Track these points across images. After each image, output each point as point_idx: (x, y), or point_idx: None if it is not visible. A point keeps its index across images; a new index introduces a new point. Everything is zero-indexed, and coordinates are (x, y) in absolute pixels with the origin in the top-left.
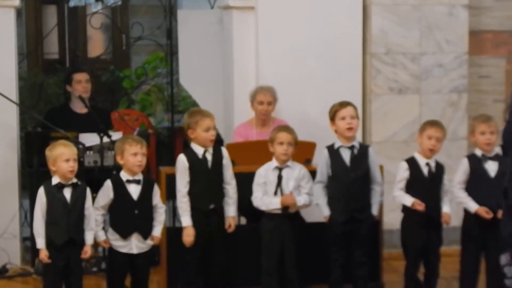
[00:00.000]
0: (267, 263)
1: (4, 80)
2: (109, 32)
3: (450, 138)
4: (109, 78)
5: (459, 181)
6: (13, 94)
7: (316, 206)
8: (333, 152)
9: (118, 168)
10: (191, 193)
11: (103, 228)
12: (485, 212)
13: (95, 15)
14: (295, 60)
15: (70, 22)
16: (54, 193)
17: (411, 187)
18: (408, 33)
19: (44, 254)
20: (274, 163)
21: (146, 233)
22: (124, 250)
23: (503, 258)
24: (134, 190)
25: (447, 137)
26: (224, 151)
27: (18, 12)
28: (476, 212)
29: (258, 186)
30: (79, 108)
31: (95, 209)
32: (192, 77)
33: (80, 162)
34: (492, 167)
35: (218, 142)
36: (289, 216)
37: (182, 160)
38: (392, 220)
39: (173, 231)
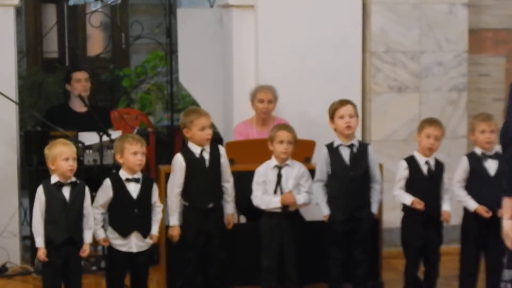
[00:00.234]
0: (266, 261)
1: (4, 79)
2: (109, 30)
3: (449, 136)
4: (109, 77)
5: (459, 179)
6: (13, 93)
7: (316, 205)
8: (333, 150)
9: (118, 167)
10: (188, 192)
11: (103, 227)
12: (484, 211)
13: (94, 14)
14: (295, 58)
15: (70, 21)
16: (53, 192)
17: (410, 186)
18: (408, 32)
19: (42, 253)
20: (273, 161)
21: (145, 231)
22: (123, 249)
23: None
24: (134, 189)
25: (447, 135)
26: (222, 149)
27: (18, 11)
28: (475, 210)
29: (257, 185)
30: (79, 107)
31: (94, 208)
32: (192, 75)
33: (80, 161)
34: (492, 166)
35: (217, 140)
36: (289, 214)
37: (179, 159)
38: (392, 219)
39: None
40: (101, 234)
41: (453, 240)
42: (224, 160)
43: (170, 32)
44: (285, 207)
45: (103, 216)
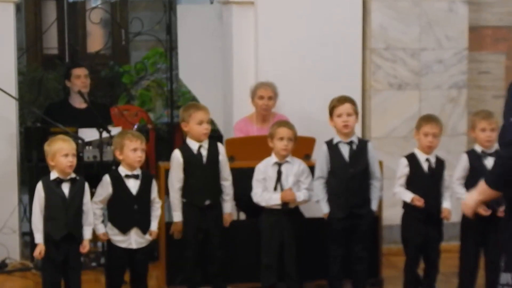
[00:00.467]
0: (266, 259)
1: (4, 75)
2: (109, 27)
3: (449, 134)
4: (109, 73)
5: (459, 177)
6: (13, 89)
7: (316, 203)
8: (332, 147)
9: (118, 163)
10: (186, 188)
11: (102, 222)
12: (483, 209)
13: (94, 10)
14: (295, 55)
15: (70, 17)
16: (53, 188)
17: (411, 183)
18: (407, 29)
19: (39, 250)
20: (273, 158)
21: (145, 228)
22: (123, 245)
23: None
24: (133, 185)
25: (447, 133)
26: (221, 147)
27: (18, 7)
28: None
29: (257, 182)
30: (79, 103)
31: (94, 203)
32: (192, 72)
33: (80, 157)
34: (491, 164)
35: (217, 137)
36: (289, 211)
37: (176, 155)
38: (392, 216)
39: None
40: (101, 229)
41: (453, 237)
42: (222, 157)
43: (170, 29)
44: (285, 204)
45: (102, 211)
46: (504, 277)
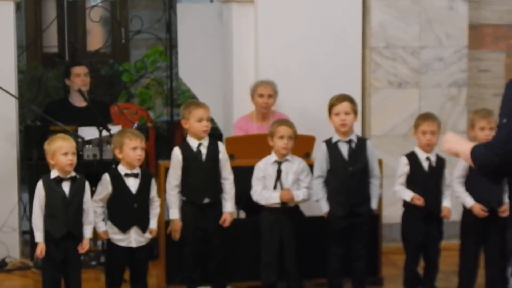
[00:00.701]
0: (266, 257)
1: (3, 73)
2: (109, 25)
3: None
4: (108, 72)
5: (458, 175)
6: (12, 88)
7: (316, 202)
8: (331, 146)
9: (118, 162)
10: (185, 186)
11: (103, 220)
12: (480, 209)
13: (94, 9)
14: (295, 54)
15: (70, 15)
16: (53, 186)
17: (411, 182)
18: (407, 27)
19: (40, 249)
20: (273, 157)
21: (144, 226)
22: (123, 243)
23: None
24: (133, 184)
25: (447, 131)
26: (221, 146)
27: (17, 5)
28: (471, 208)
29: (257, 180)
30: (78, 101)
31: (94, 202)
32: (192, 71)
33: (79, 156)
34: None
35: (217, 136)
36: (289, 210)
37: (176, 153)
38: (392, 214)
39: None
40: (101, 227)
41: (452, 235)
42: (223, 156)
43: (170, 27)
44: (284, 202)
45: (102, 209)
46: None
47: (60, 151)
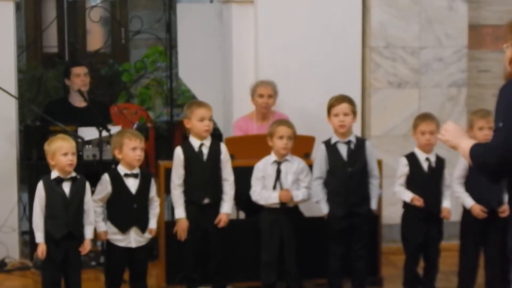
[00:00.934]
0: (266, 257)
1: (3, 73)
2: (108, 25)
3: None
4: (108, 72)
5: (458, 176)
6: (12, 88)
7: (316, 203)
8: (330, 147)
9: (117, 162)
10: (186, 186)
11: (102, 220)
12: (479, 210)
13: (94, 9)
14: (295, 54)
15: (69, 16)
16: (53, 187)
17: (411, 183)
18: (407, 27)
19: (41, 250)
20: (272, 157)
21: (144, 226)
22: (122, 244)
23: None
24: (132, 184)
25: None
26: (223, 147)
27: (17, 5)
28: (470, 208)
29: (256, 180)
30: (78, 101)
31: (93, 202)
32: (191, 71)
33: (79, 156)
34: None
35: (216, 136)
36: (288, 210)
37: (178, 152)
38: (391, 215)
39: (172, 225)
40: (102, 227)
41: (452, 236)
42: (224, 157)
43: (170, 27)
44: (283, 202)
45: (102, 209)
46: None
47: (60, 151)
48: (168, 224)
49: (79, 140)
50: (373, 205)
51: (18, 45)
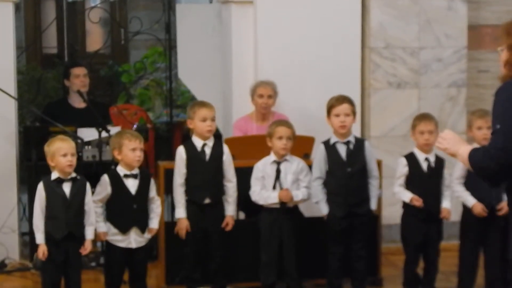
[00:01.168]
0: (266, 257)
1: (3, 74)
2: (108, 26)
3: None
4: (108, 73)
5: (458, 176)
6: (12, 89)
7: (316, 204)
8: (329, 147)
9: (117, 163)
10: (188, 186)
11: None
12: (481, 209)
13: (93, 9)
14: (294, 54)
15: (69, 16)
16: (53, 187)
17: (410, 183)
18: (407, 27)
19: (42, 251)
20: (272, 157)
21: (144, 227)
22: (122, 244)
23: None
24: (132, 185)
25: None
26: (226, 148)
27: (17, 6)
28: (472, 207)
29: (256, 180)
30: (78, 102)
31: (93, 202)
32: (191, 71)
33: (79, 157)
34: None
35: (216, 136)
36: (288, 210)
37: (180, 151)
38: (391, 215)
39: (171, 226)
40: (102, 227)
41: (452, 236)
42: (226, 158)
43: (169, 28)
44: (283, 202)
45: (102, 209)
46: None
47: (59, 152)
48: (168, 224)
49: (79, 141)
50: (373, 205)
51: (18, 46)
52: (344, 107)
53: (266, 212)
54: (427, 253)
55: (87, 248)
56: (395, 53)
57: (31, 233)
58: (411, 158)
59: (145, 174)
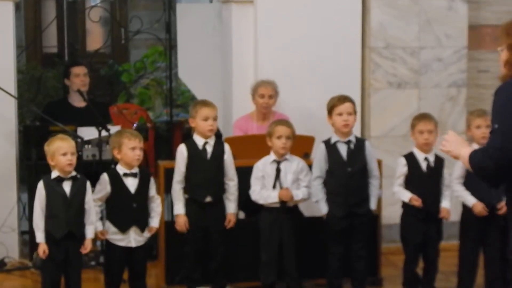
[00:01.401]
0: (266, 256)
1: (3, 73)
2: (108, 25)
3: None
4: (108, 72)
5: (457, 176)
6: (12, 88)
7: (315, 203)
8: (330, 147)
9: (117, 162)
10: (188, 184)
11: (101, 219)
12: (481, 208)
13: (94, 9)
14: (294, 54)
15: (69, 16)
16: (53, 186)
17: (409, 183)
18: (407, 27)
19: (42, 249)
20: (272, 156)
21: (143, 226)
22: (122, 243)
23: None
24: (132, 184)
25: (446, 131)
26: (227, 147)
27: (17, 5)
28: (472, 206)
29: (256, 179)
30: (78, 101)
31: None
32: (191, 71)
33: (79, 156)
34: None
35: (216, 136)
36: (288, 209)
37: (181, 149)
38: (391, 215)
39: (171, 225)
40: (99, 227)
41: (452, 236)
42: (228, 157)
43: (170, 27)
44: (283, 202)
45: (100, 209)
46: None
47: (59, 151)
48: (168, 223)
49: (79, 140)
50: (373, 205)
51: (18, 45)
52: (346, 106)
53: (266, 211)
54: (426, 253)
55: (87, 247)
56: (395, 53)
57: (30, 232)
58: (410, 158)
59: (144, 173)
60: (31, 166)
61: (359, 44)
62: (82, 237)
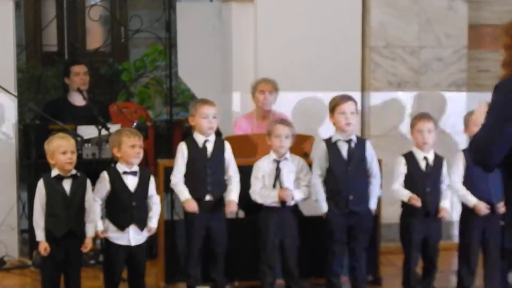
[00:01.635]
0: (266, 255)
1: (3, 72)
2: (108, 24)
3: (449, 132)
4: (108, 71)
5: (457, 175)
6: (12, 86)
7: (315, 202)
8: (331, 145)
9: (116, 160)
10: (189, 182)
11: (101, 218)
12: (483, 207)
13: (94, 7)
14: (294, 53)
15: (69, 14)
16: (53, 185)
17: (409, 182)
18: (407, 27)
19: (43, 247)
20: (272, 155)
21: (143, 224)
22: (121, 242)
23: None
24: (131, 182)
25: (446, 131)
26: (227, 145)
27: (17, 4)
28: (474, 206)
29: (256, 179)
30: (78, 100)
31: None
32: (191, 70)
33: (78, 155)
34: None
35: (216, 134)
36: (288, 209)
37: (182, 147)
38: (390, 214)
39: (171, 224)
40: (99, 226)
41: (451, 235)
42: (228, 155)
43: (170, 26)
44: (283, 201)
45: (100, 207)
46: None
47: (59, 150)
48: (168, 223)
49: (78, 138)
50: (373, 204)
51: (18, 44)
52: (349, 105)
53: (266, 211)
54: (426, 252)
55: (87, 245)
56: (395, 53)
57: (30, 231)
58: (409, 157)
59: (144, 172)
60: (31, 164)
61: (359, 43)
62: (82, 235)
